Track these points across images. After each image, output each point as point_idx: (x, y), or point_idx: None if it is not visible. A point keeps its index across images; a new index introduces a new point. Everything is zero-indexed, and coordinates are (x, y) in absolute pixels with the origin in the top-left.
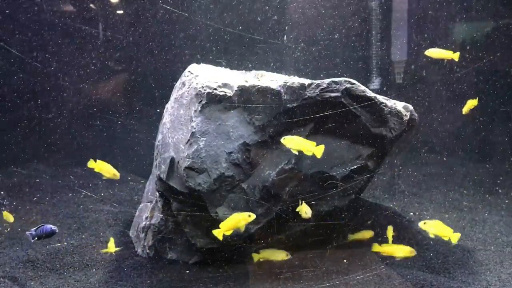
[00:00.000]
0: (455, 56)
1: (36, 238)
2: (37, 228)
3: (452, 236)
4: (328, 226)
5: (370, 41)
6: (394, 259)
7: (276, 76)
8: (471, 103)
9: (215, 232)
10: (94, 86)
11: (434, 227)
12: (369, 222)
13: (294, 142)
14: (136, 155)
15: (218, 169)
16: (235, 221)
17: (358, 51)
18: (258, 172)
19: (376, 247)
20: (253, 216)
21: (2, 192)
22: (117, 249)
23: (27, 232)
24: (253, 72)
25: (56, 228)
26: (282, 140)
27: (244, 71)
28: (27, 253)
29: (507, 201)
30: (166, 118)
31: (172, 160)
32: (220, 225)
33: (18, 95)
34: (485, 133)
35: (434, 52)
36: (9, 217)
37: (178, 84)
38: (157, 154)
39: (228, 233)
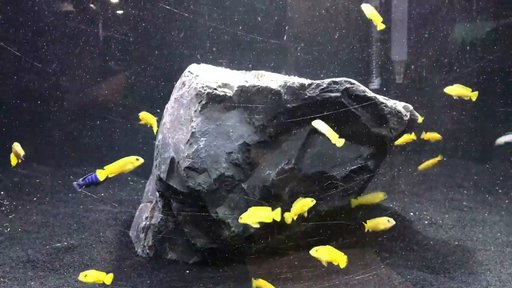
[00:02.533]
0: None
1: (84, 187)
2: (84, 178)
3: (342, 260)
4: (328, 226)
5: (370, 41)
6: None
7: (276, 76)
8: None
9: (286, 215)
10: (94, 86)
11: (327, 253)
12: None
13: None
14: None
15: (218, 169)
16: (300, 206)
17: (358, 51)
18: (258, 172)
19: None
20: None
21: (2, 192)
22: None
23: (74, 183)
24: (253, 72)
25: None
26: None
27: (244, 71)
28: (27, 253)
29: (507, 201)
30: (166, 118)
31: (172, 160)
32: (288, 213)
33: (17, 95)
34: (485, 133)
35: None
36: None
37: (178, 84)
38: (157, 154)
39: (295, 218)
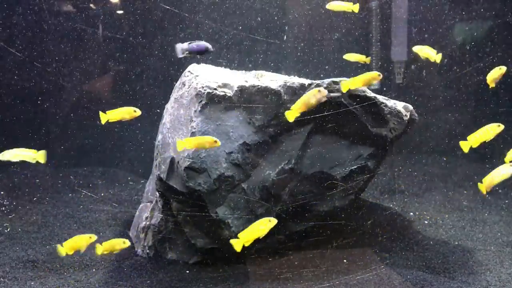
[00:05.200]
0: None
1: (187, 53)
2: (190, 43)
3: None
4: (328, 226)
5: (370, 41)
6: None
7: (276, 76)
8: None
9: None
10: (94, 85)
11: None
12: (369, 222)
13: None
14: (136, 155)
15: (218, 169)
16: None
17: (358, 51)
18: (258, 172)
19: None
20: None
21: (2, 192)
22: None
23: (177, 45)
24: (253, 72)
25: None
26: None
27: (244, 71)
28: (27, 253)
29: (507, 201)
30: (166, 118)
31: (172, 160)
32: None
33: (17, 94)
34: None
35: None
36: None
37: (178, 84)
38: (157, 154)
39: None
